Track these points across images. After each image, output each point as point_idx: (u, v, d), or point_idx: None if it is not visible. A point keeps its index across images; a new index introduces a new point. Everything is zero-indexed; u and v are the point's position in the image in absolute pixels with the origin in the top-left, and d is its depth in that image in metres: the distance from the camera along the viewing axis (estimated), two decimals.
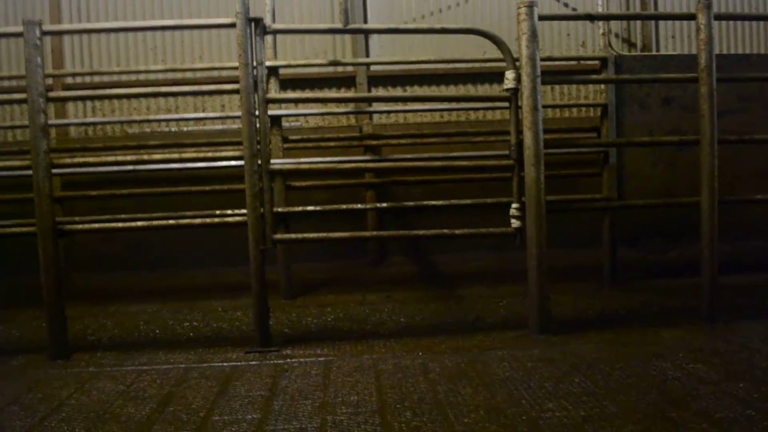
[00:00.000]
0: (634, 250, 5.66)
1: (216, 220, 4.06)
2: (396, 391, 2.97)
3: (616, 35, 6.83)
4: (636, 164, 5.21)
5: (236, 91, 3.71)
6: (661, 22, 6.91)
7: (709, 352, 3.37)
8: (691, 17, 3.98)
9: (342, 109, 6.24)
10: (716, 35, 3.89)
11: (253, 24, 3.69)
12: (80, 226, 4.12)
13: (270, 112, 4.72)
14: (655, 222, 5.29)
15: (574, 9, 6.70)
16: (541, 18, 3.82)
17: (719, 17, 4.14)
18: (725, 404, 2.66)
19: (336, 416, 2.69)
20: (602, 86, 5.34)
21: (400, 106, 6.15)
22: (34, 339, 4.22)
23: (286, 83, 6.14)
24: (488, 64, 6.38)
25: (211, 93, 6.18)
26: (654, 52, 6.75)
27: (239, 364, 3.50)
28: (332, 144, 6.08)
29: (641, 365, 3.20)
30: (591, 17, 4.35)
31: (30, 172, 3.66)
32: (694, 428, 2.43)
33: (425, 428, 2.53)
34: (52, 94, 3.81)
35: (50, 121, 4.96)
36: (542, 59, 3.87)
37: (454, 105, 6.35)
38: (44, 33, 3.61)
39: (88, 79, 6.44)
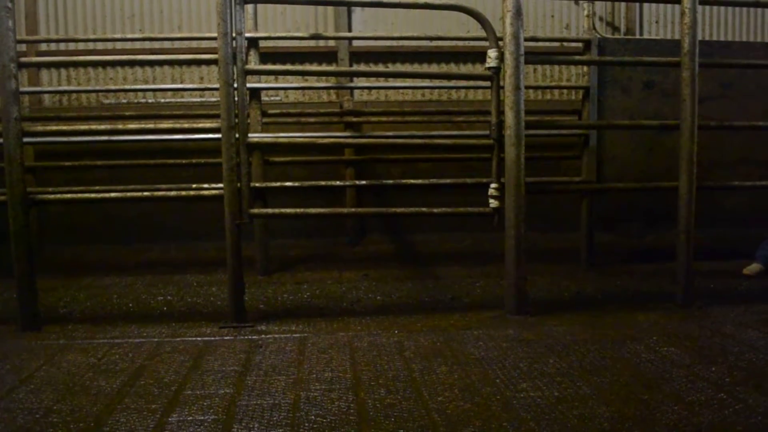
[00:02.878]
0: (612, 234, 5.70)
1: (192, 193, 4.01)
2: (371, 369, 2.95)
3: (601, 18, 6.81)
4: (616, 148, 5.21)
5: (214, 62, 3.64)
6: (646, 6, 6.90)
7: (682, 336, 3.40)
8: (676, 1, 3.95)
9: (323, 84, 6.17)
10: (700, 20, 3.88)
11: None
12: (52, 196, 4.04)
13: (249, 85, 4.63)
14: (633, 206, 5.31)
15: None
16: None
17: (704, 1, 4.11)
18: (697, 387, 2.68)
19: (310, 392, 2.68)
20: (584, 69, 5.32)
21: (381, 83, 6.09)
22: (4, 310, 4.14)
23: (267, 57, 6.04)
24: (471, 43, 6.34)
25: (189, 63, 6.09)
26: (638, 36, 6.75)
27: (213, 339, 3.47)
28: (312, 120, 6.02)
29: (616, 347, 3.21)
30: None
31: (0, 140, 3.57)
32: (667, 410, 2.45)
33: (399, 406, 2.52)
34: (24, 60, 3.70)
35: (22, 89, 4.85)
36: (526, 39, 3.83)
37: (435, 83, 6.30)
38: None
39: (63, 46, 6.28)
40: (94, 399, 2.64)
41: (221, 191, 3.66)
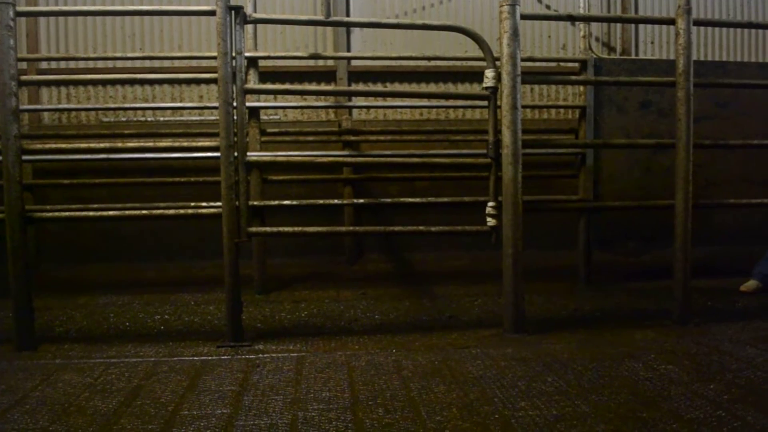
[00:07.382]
0: (609, 252, 5.70)
1: (190, 211, 4.01)
2: (368, 388, 2.94)
3: (597, 38, 6.87)
4: (613, 167, 5.24)
5: (214, 81, 3.67)
6: (641, 27, 6.96)
7: (680, 353, 3.40)
8: (671, 22, 4.00)
9: (321, 103, 6.20)
10: (694, 41, 3.91)
11: (233, 12, 3.63)
12: (49, 214, 4.04)
13: (248, 104, 4.67)
14: (630, 225, 5.32)
15: (556, 11, 6.73)
16: (523, 17, 3.81)
17: (698, 23, 4.16)
18: (696, 405, 2.67)
19: (307, 412, 2.66)
20: (581, 88, 5.36)
21: (380, 102, 6.13)
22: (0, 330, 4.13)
23: (266, 76, 6.08)
24: (469, 63, 6.39)
25: (188, 81, 6.12)
26: (633, 56, 6.80)
27: (210, 358, 3.45)
28: (311, 138, 6.05)
29: (614, 365, 3.21)
30: (572, 18, 4.36)
31: None
32: (665, 428, 2.44)
33: (397, 425, 2.51)
34: (24, 78, 3.72)
35: (22, 106, 4.87)
36: (523, 59, 3.87)
37: (433, 102, 6.34)
38: (18, 14, 3.53)
39: (63, 64, 6.32)
40: (90, 419, 2.62)
41: (219, 209, 3.67)
